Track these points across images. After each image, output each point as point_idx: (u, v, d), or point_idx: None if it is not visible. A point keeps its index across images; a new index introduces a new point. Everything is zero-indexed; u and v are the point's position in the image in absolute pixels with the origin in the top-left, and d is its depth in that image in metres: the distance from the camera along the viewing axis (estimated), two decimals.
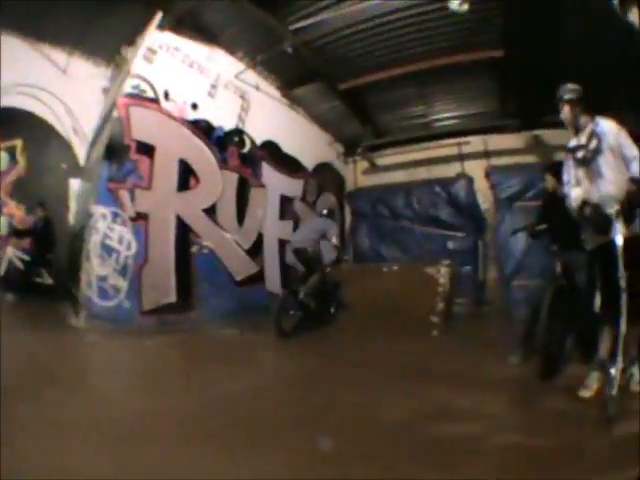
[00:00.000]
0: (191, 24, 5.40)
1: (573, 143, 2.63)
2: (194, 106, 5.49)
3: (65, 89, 6.29)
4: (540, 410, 2.38)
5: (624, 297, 2.11)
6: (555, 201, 3.46)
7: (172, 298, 5.01)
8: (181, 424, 2.08)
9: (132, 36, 5.66)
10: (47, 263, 5.91)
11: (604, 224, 2.28)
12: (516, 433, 2.03)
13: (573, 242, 3.22)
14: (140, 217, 4.79)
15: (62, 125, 6.33)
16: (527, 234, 3.74)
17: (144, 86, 5.11)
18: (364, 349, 4.02)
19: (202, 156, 5.46)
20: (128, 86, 5.01)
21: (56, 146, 6.26)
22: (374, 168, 8.21)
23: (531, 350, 3.18)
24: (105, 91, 6.50)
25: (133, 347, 3.96)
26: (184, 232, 5.19)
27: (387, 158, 8.07)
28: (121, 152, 4.82)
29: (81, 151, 6.33)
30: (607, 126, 2.47)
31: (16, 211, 6.11)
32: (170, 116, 5.24)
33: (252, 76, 6.17)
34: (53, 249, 5.86)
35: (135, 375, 3.19)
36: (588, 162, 2.51)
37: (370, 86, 6.42)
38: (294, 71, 6.23)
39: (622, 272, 2.13)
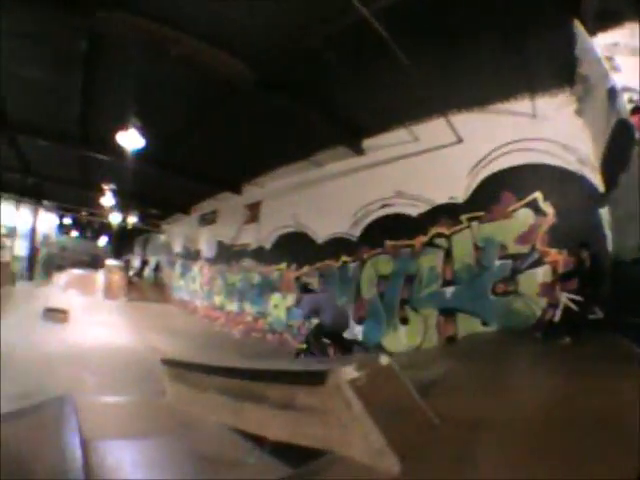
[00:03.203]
0: None
1: None
2: None
3: (543, 130, 6.90)
4: None
5: None
6: None
7: None
8: None
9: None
10: (599, 298, 5.70)
11: None
12: None
13: None
14: None
15: (566, 162, 6.63)
16: None
17: None
18: None
19: None
20: None
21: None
22: None
23: None
24: (578, 112, 6.63)
25: None
26: None
27: None
28: None
29: (595, 180, 6.25)
30: None
31: (558, 257, 6.63)
32: None
33: None
34: (604, 282, 5.64)
35: None
36: None
37: None
38: None
39: None
